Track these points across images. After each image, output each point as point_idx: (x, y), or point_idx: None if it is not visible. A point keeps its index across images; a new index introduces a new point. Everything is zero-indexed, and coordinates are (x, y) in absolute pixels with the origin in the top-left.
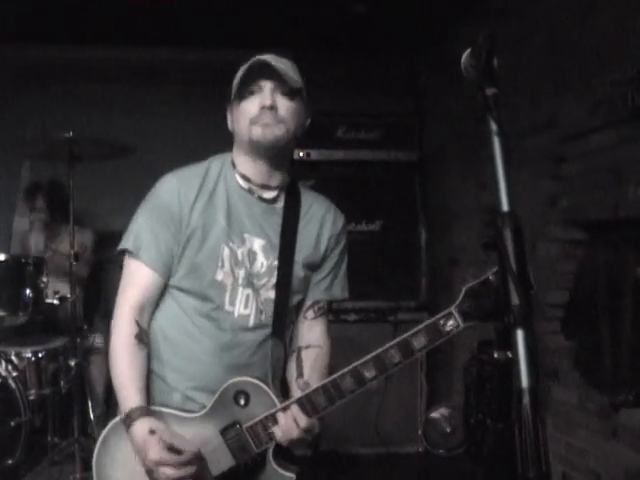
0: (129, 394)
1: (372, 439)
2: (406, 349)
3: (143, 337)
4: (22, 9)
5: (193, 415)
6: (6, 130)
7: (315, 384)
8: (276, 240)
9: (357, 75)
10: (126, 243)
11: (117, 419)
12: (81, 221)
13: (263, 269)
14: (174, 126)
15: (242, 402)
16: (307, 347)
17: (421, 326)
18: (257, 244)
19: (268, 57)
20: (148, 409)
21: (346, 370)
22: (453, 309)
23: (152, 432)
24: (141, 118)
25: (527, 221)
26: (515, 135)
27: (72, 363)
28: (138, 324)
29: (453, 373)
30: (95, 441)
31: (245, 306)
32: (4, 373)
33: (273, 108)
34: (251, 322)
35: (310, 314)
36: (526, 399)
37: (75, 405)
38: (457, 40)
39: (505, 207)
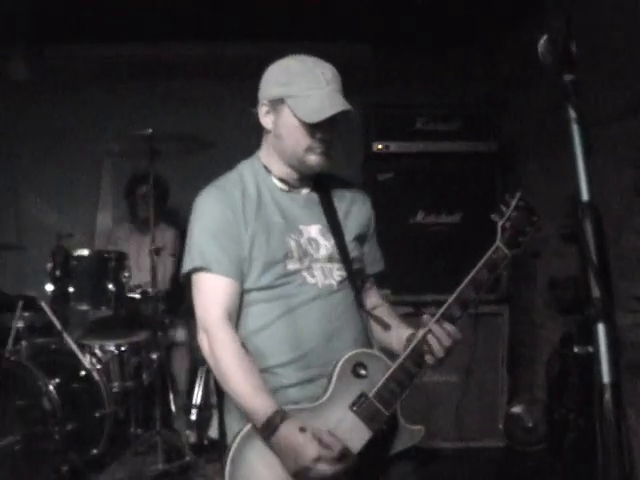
0: (262, 401)
1: (452, 433)
2: (478, 283)
3: (244, 344)
4: (100, 8)
5: (319, 402)
6: (88, 128)
7: (404, 329)
8: (327, 222)
9: (436, 66)
10: (193, 262)
11: (245, 430)
12: (163, 217)
13: (328, 251)
14: (252, 121)
15: (363, 373)
16: (374, 308)
17: (479, 264)
18: (314, 230)
19: (340, 97)
20: (285, 411)
21: (450, 300)
22: (499, 243)
23: (302, 430)
24: (219, 113)
25: (611, 211)
26: (597, 122)
27: (154, 357)
28: (235, 332)
29: (535, 367)
30: (176, 432)
31: (325, 277)
32: (89, 366)
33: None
34: (335, 287)
35: (368, 285)
36: (608, 395)
37: (157, 398)
38: (536, 27)
39: (585, 197)
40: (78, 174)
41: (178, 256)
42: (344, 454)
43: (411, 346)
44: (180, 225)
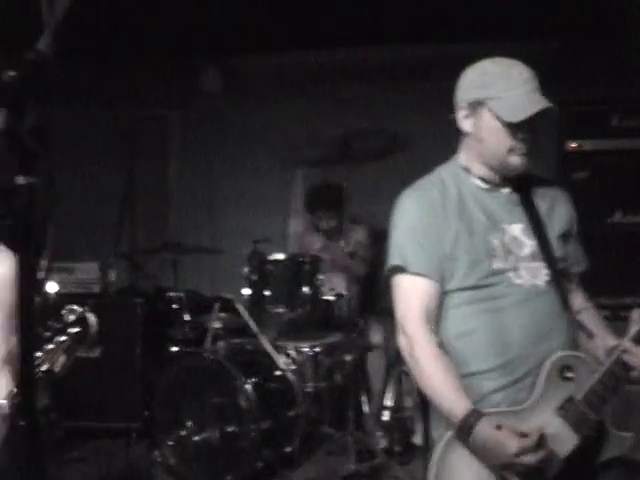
0: (458, 400)
1: None
2: None
3: (442, 345)
4: (285, 17)
5: (524, 405)
6: (280, 135)
7: (609, 338)
8: (529, 222)
9: (631, 57)
10: (393, 261)
11: (450, 432)
12: (356, 219)
13: (531, 249)
14: (443, 123)
15: (570, 376)
16: (578, 312)
17: None
18: (516, 229)
19: (539, 95)
20: (480, 411)
21: None
22: None
23: (499, 427)
24: (411, 117)
25: None
26: None
27: (348, 358)
28: (434, 333)
29: None
30: (368, 433)
31: (532, 277)
32: (284, 366)
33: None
34: (543, 287)
35: (573, 286)
36: None
37: (350, 399)
38: None
39: None
40: (270, 179)
41: (370, 257)
42: (542, 440)
43: (616, 353)
44: (374, 228)
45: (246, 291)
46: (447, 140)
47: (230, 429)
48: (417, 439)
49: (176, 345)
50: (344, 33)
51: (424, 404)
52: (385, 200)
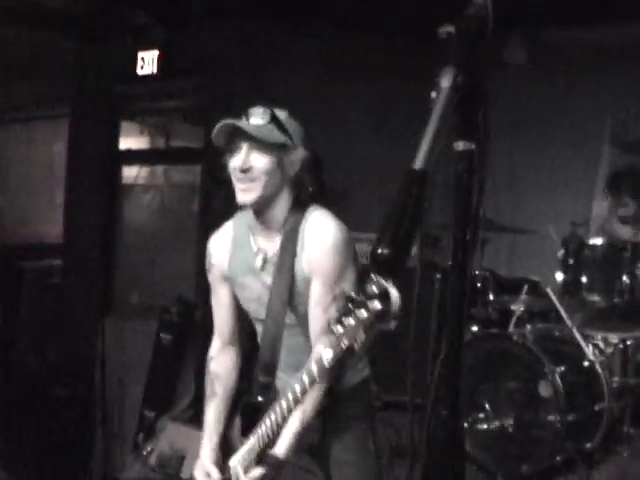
0: None
1: None
2: None
3: None
4: None
5: None
6: (588, 115)
7: None
8: None
9: None
10: None
11: None
12: None
13: None
14: None
15: None
16: None
17: None
18: None
19: None
20: None
21: None
22: None
23: None
24: None
25: None
26: None
27: None
28: None
29: None
30: None
31: None
32: (592, 357)
33: None
34: None
35: None
36: None
37: None
38: None
39: None
40: (577, 158)
41: None
42: None
43: None
44: None
45: (559, 275)
46: None
47: (529, 417)
48: None
49: (476, 325)
50: None
51: None
52: None
